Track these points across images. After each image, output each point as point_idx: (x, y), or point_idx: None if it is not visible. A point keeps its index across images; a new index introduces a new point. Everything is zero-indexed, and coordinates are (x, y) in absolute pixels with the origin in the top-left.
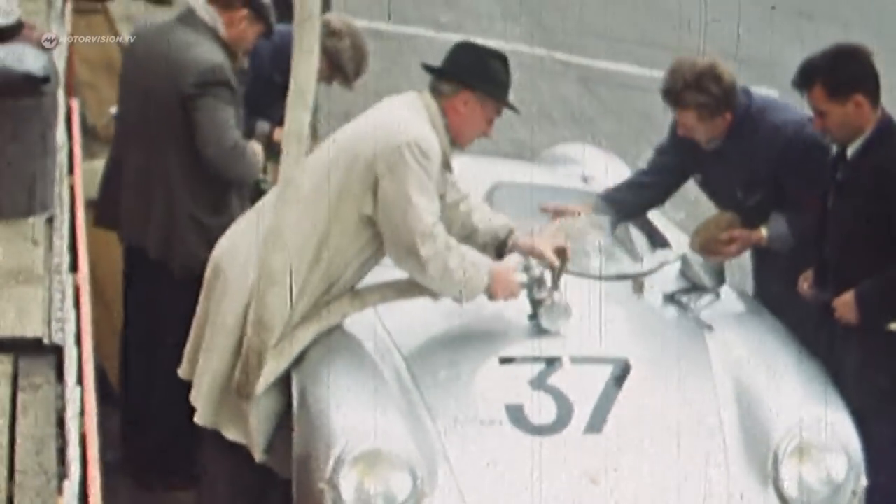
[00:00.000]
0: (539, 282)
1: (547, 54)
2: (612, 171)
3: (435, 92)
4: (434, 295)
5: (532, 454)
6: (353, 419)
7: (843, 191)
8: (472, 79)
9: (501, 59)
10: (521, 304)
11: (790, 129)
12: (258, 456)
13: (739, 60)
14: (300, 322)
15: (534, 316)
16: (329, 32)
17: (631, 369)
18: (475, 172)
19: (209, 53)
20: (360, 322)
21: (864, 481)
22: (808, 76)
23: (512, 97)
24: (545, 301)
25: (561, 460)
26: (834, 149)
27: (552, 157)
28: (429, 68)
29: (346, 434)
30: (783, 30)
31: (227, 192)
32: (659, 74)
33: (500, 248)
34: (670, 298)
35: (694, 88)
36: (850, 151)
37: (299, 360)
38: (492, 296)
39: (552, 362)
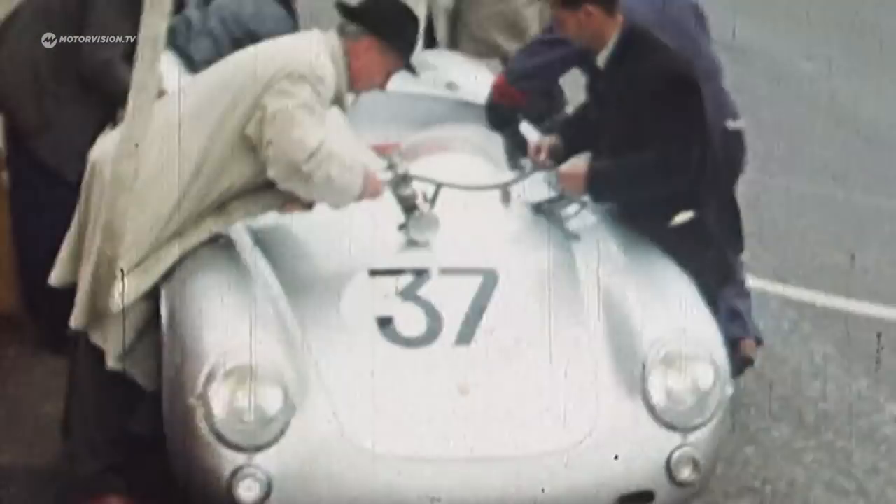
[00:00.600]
0: (403, 178)
1: None
2: (478, 79)
3: (341, 32)
4: (301, 206)
5: (402, 366)
6: (224, 334)
7: (605, 102)
8: (380, 27)
9: (413, 19)
10: (390, 216)
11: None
12: (110, 361)
13: None
14: (167, 239)
15: (403, 226)
16: None
17: (499, 280)
18: None
19: None
20: (230, 236)
21: (729, 390)
22: None
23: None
24: (413, 209)
25: (431, 372)
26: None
27: (415, 63)
28: (341, 7)
29: (216, 349)
30: None
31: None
32: None
33: None
34: (537, 208)
35: None
36: (600, 62)
37: (167, 274)
38: (360, 197)
39: (421, 274)
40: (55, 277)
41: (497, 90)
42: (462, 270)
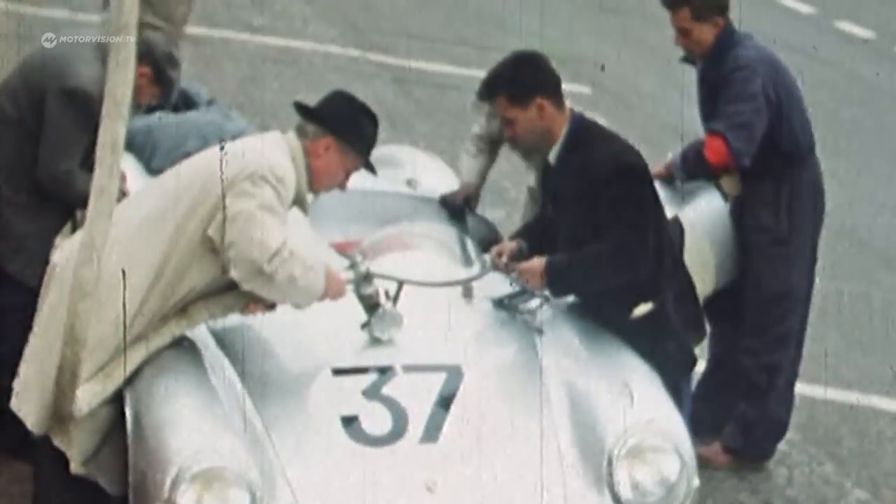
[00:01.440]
0: (365, 277)
1: (361, 55)
2: (437, 175)
3: (300, 132)
4: (264, 306)
5: (369, 465)
6: (190, 437)
7: (558, 200)
8: (338, 127)
9: (372, 117)
10: (352, 314)
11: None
12: (74, 466)
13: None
14: (129, 343)
15: (366, 325)
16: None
17: (463, 376)
18: None
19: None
20: (193, 339)
21: (696, 482)
22: (491, 88)
23: None
24: (375, 307)
25: (398, 470)
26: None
27: (374, 160)
28: (299, 107)
29: (182, 452)
30: (592, 27)
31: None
32: (473, 73)
33: None
34: (500, 303)
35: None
36: (551, 158)
37: (132, 378)
38: (323, 297)
39: (385, 371)
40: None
41: None
42: (426, 367)
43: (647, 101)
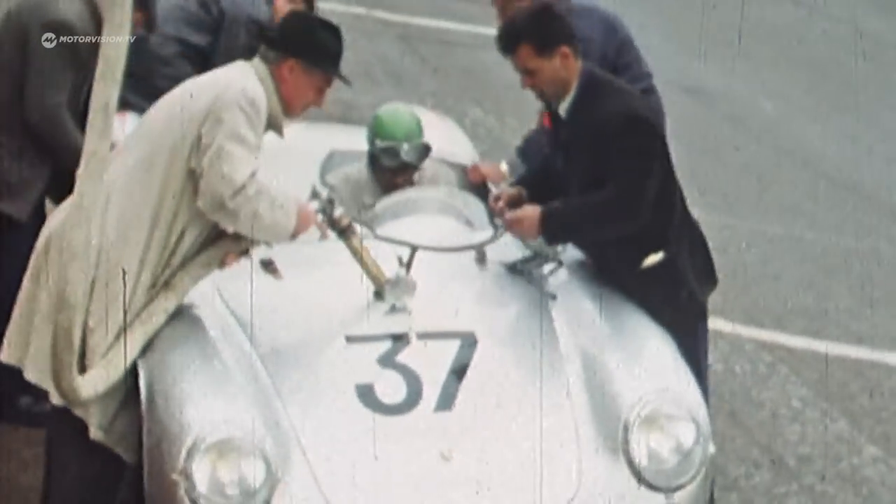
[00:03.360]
0: (330, 202)
1: (366, 13)
2: (447, 136)
3: (264, 58)
4: (237, 255)
5: (383, 434)
6: (204, 408)
7: (570, 151)
8: (295, 47)
9: (331, 29)
10: (366, 282)
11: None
12: (94, 432)
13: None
14: (129, 324)
15: (379, 291)
16: None
17: (478, 343)
18: (310, 140)
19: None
20: (205, 308)
21: (711, 449)
22: (515, 39)
23: None
24: (344, 231)
25: (413, 439)
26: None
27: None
28: (259, 33)
29: (197, 424)
30: None
31: None
32: (479, 30)
33: None
34: (513, 268)
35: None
36: (562, 111)
37: (145, 350)
38: (294, 234)
39: (399, 339)
40: (6, 355)
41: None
42: (440, 334)
43: (653, 55)
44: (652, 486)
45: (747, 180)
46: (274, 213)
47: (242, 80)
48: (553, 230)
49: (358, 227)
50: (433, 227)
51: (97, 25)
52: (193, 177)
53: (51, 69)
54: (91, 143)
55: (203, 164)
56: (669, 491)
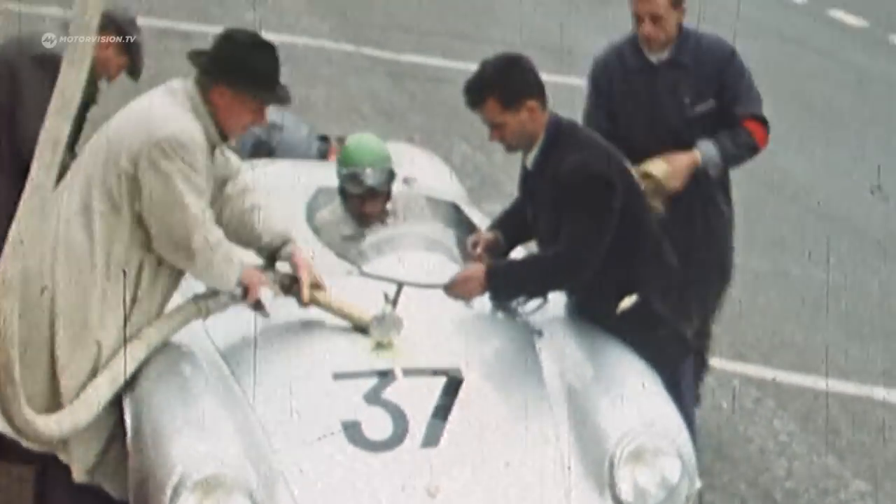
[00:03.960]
0: (267, 267)
1: (355, 49)
2: (432, 172)
3: (198, 82)
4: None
5: (370, 471)
6: (189, 445)
7: (535, 201)
8: (223, 71)
9: (264, 48)
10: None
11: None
12: (77, 475)
13: (544, 49)
14: (92, 373)
15: (366, 328)
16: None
17: (464, 379)
18: (296, 178)
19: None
20: (191, 343)
21: (698, 484)
22: (481, 93)
23: (321, 93)
24: (289, 288)
25: (399, 475)
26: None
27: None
28: (190, 55)
29: (182, 460)
30: (587, 19)
31: None
32: (467, 66)
33: (272, 256)
34: (499, 304)
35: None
36: (528, 162)
37: (131, 384)
38: (249, 298)
39: (385, 375)
40: None
41: None
42: (426, 371)
43: None
44: None
45: (735, 213)
46: (225, 265)
47: (174, 119)
48: (497, 287)
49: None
50: (419, 263)
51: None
52: (142, 223)
53: (40, 99)
54: (37, 176)
55: (155, 213)
56: None
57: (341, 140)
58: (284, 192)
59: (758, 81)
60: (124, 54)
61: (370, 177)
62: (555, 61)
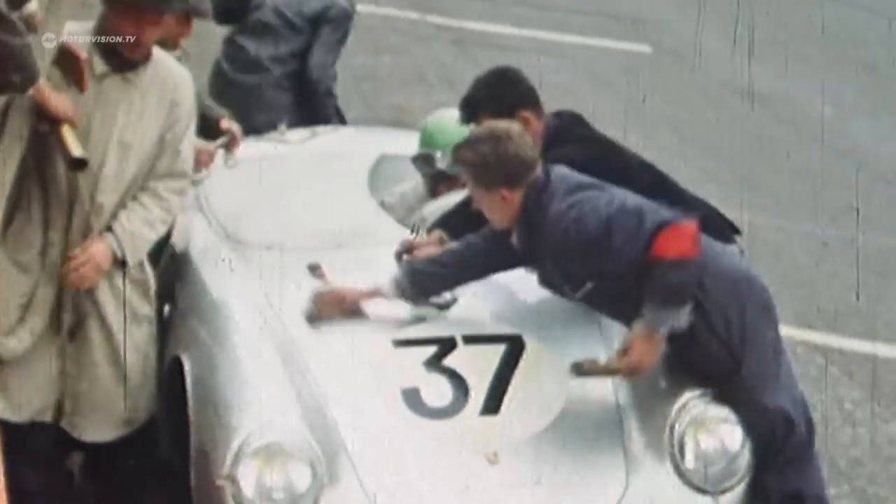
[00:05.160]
0: None
1: (420, 17)
2: None
3: None
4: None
5: (429, 438)
6: (250, 412)
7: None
8: None
9: None
10: None
11: (572, 211)
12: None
13: (609, 16)
14: None
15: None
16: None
17: (525, 347)
18: (359, 145)
19: None
20: (253, 311)
21: None
22: (473, 109)
23: (386, 62)
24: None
25: (459, 442)
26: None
27: None
28: None
29: (243, 427)
30: None
31: None
32: (533, 34)
33: None
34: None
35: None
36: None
37: (190, 347)
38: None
39: (446, 342)
40: None
41: None
42: (486, 338)
43: (708, 59)
44: (699, 489)
45: (801, 182)
46: None
47: None
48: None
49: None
50: None
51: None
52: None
53: None
54: None
55: None
56: (716, 493)
57: None
58: (347, 158)
59: (827, 49)
60: (186, 23)
61: (441, 160)
62: (620, 28)
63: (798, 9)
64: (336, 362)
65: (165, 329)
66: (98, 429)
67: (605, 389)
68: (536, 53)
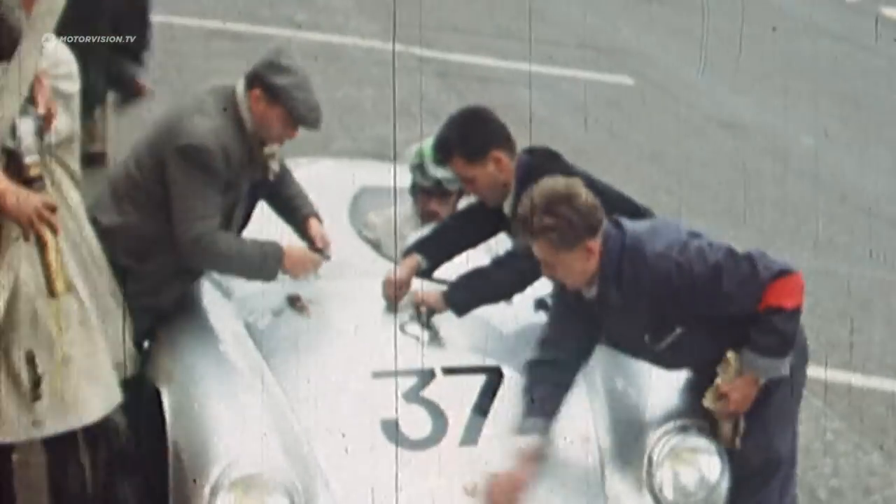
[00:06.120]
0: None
1: (404, 49)
2: None
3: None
4: None
5: (408, 468)
6: (229, 443)
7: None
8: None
9: None
10: (391, 317)
11: (675, 252)
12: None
13: (592, 48)
14: None
15: (405, 327)
16: None
17: (503, 378)
18: (339, 177)
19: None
20: (232, 342)
21: None
22: (445, 150)
23: (370, 94)
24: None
25: (437, 473)
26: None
27: None
28: None
29: (222, 458)
30: (635, 17)
31: None
32: (516, 66)
33: None
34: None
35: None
36: (506, 208)
37: (169, 379)
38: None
39: (425, 374)
40: None
41: None
42: (465, 369)
43: (691, 91)
44: None
45: (783, 214)
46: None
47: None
48: (457, 296)
49: None
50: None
51: (241, 135)
52: None
53: (191, 198)
54: None
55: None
56: None
57: None
58: (328, 190)
59: (809, 81)
60: (291, 124)
61: (436, 169)
62: (604, 60)
63: (780, 41)
64: (315, 393)
65: (145, 361)
66: None
67: (584, 420)
68: (519, 85)
